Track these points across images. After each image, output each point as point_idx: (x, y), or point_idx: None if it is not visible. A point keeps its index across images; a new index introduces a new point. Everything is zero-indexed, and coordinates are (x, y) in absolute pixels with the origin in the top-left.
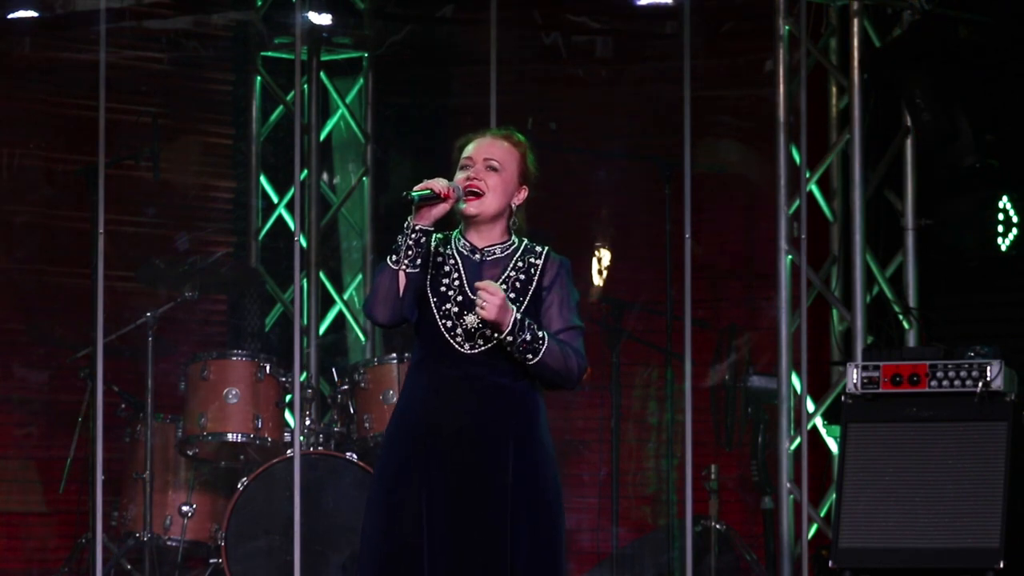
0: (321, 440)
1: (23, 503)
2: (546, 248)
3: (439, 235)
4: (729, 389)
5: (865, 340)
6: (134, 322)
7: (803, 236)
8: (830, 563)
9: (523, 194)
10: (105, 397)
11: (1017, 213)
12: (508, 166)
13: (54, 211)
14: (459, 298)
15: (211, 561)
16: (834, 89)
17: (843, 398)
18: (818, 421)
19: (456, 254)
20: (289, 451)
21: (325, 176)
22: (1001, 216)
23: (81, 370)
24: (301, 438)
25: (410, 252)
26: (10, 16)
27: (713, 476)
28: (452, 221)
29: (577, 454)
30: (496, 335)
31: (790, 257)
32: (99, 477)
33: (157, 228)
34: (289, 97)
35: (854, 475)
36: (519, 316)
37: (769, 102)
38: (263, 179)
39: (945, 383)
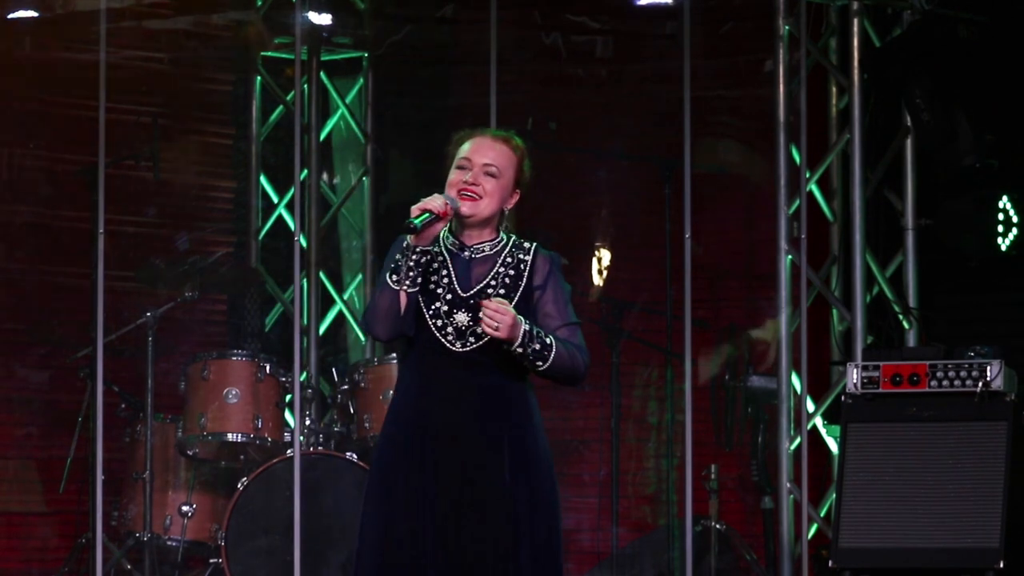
0: (321, 440)
1: (23, 503)
2: (534, 244)
3: None
4: (729, 389)
5: (865, 340)
6: (134, 322)
7: (803, 236)
8: (830, 563)
9: (515, 198)
10: (105, 397)
11: (1017, 213)
12: (506, 172)
13: (54, 211)
14: (448, 296)
15: (211, 561)
16: (834, 89)
17: (843, 398)
18: (818, 421)
19: (444, 252)
20: (289, 451)
21: (325, 176)
22: (1001, 216)
23: (81, 370)
24: (301, 438)
25: (411, 272)
26: (10, 16)
27: (713, 476)
28: None
29: (577, 454)
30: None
31: (790, 257)
32: (99, 477)
33: (157, 228)
34: (289, 97)
35: (854, 475)
36: (528, 327)
37: (769, 102)
38: (263, 179)
39: (945, 383)
